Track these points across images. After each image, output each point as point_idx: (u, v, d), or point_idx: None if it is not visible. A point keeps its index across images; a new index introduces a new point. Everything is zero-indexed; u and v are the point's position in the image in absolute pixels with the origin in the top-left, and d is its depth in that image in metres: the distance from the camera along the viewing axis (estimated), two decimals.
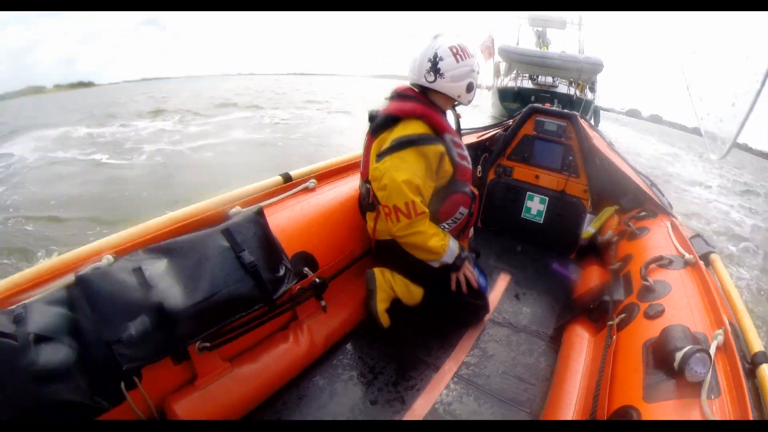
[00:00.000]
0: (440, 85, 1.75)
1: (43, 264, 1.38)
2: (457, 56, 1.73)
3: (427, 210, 1.71)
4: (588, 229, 2.83)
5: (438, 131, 1.76)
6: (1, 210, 6.18)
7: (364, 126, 1.91)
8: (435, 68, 1.72)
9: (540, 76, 18.39)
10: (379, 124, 1.80)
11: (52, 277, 1.34)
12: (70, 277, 1.32)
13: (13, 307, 1.22)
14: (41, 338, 1.16)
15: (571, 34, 21.15)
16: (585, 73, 15.72)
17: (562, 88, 17.59)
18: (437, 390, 1.80)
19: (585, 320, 2.01)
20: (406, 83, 1.87)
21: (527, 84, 18.20)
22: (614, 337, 1.62)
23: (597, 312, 1.97)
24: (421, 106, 1.76)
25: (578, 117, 2.97)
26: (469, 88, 1.81)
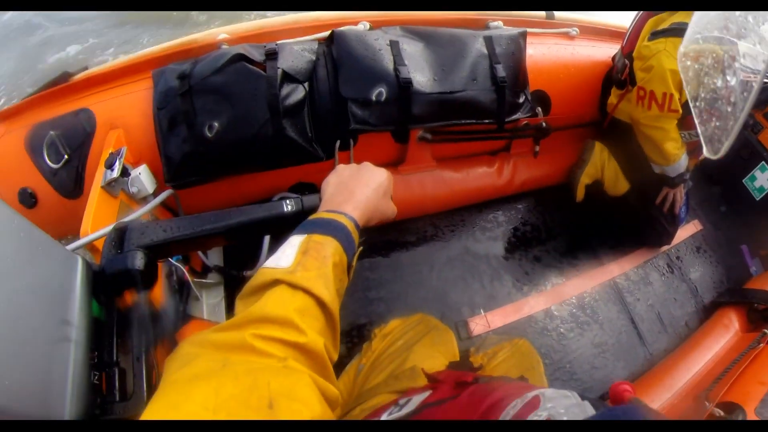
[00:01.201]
0: None
1: (302, 15, 1.47)
2: None
3: (680, 110, 1.57)
4: None
5: None
6: None
7: None
8: None
9: None
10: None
11: (309, 27, 1.42)
12: (325, 33, 1.39)
13: (268, 43, 1.31)
14: (287, 76, 1.26)
15: None
16: None
17: None
18: (593, 281, 1.82)
19: (742, 313, 1.92)
20: None
21: None
22: (762, 345, 1.60)
23: (759, 314, 1.87)
24: None
25: None
26: None
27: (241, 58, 1.25)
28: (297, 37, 1.40)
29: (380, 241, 1.66)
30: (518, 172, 1.80)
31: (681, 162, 1.71)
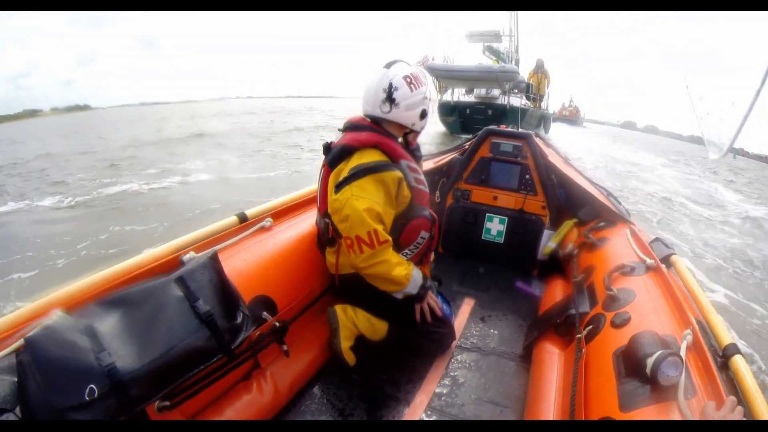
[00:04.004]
0: (395, 114, 1.78)
1: None
2: (411, 85, 1.76)
3: (389, 238, 1.70)
4: (549, 244, 2.86)
5: (394, 158, 1.77)
6: None
7: None
8: (390, 98, 1.75)
9: (475, 89, 18.73)
10: (336, 155, 1.80)
11: (3, 338, 1.26)
12: (20, 341, 1.23)
13: None
14: None
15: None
16: (503, 82, 16.06)
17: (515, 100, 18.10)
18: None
19: (553, 336, 2.01)
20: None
21: (465, 98, 18.65)
22: (584, 349, 1.62)
23: (564, 326, 1.98)
24: (376, 135, 1.78)
25: (533, 136, 3.06)
26: (423, 115, 1.84)
27: None
28: None
29: None
30: (280, 380, 1.71)
31: (415, 277, 1.81)
